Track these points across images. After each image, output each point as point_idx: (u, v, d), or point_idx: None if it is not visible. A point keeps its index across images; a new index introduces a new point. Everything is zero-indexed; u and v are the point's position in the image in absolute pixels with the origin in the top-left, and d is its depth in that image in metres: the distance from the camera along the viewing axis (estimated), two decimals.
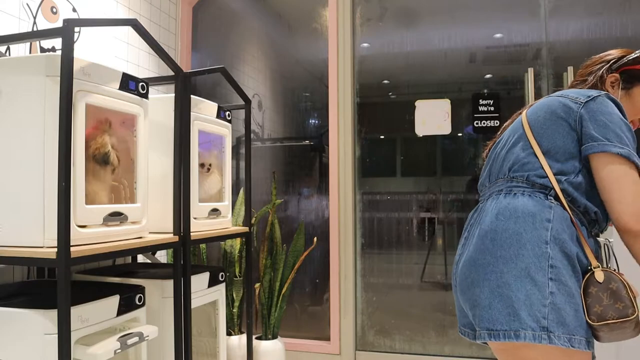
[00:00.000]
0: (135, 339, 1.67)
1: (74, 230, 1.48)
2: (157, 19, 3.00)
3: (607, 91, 1.42)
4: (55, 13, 2.23)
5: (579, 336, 1.14)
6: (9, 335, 1.48)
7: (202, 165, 2.29)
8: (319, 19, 3.16)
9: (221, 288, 2.38)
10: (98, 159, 1.63)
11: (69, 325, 1.42)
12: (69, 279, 1.43)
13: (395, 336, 3.20)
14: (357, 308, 3.02)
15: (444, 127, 3.18)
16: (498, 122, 2.96)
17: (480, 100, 3.07)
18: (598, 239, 1.36)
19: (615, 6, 2.61)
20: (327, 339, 3.00)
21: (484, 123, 3.03)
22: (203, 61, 3.38)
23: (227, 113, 2.45)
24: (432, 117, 3.18)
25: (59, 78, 1.45)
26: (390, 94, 3.41)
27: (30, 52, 2.09)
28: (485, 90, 3.15)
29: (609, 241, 2.25)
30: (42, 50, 2.15)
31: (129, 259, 2.53)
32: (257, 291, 2.82)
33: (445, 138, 3.63)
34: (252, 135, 2.84)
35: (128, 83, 1.74)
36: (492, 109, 2.99)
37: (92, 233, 1.57)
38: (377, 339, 3.11)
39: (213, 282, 2.29)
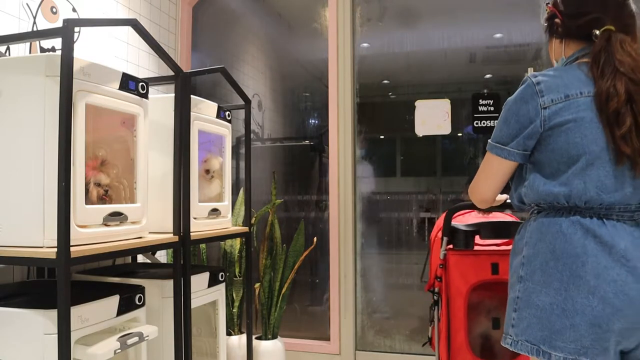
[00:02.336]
0: (135, 339, 1.67)
1: (74, 230, 1.48)
2: (157, 19, 3.00)
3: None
4: (55, 13, 2.23)
5: None
6: (9, 335, 1.48)
7: (207, 171, 2.30)
8: (319, 19, 3.16)
9: (221, 288, 2.37)
10: (98, 197, 1.66)
11: (69, 325, 1.42)
12: (69, 279, 1.43)
13: (395, 336, 3.20)
14: (357, 308, 3.02)
15: (444, 127, 3.18)
16: None
17: (480, 100, 3.07)
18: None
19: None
20: (327, 339, 3.00)
21: (483, 123, 3.03)
22: (203, 61, 3.38)
23: (227, 113, 2.45)
24: (432, 117, 3.19)
25: (59, 78, 1.44)
26: (390, 94, 3.41)
27: (30, 52, 2.09)
28: (485, 90, 3.15)
29: None
30: (42, 50, 2.15)
31: (129, 259, 2.52)
32: (257, 291, 2.82)
33: (445, 138, 3.63)
34: (252, 135, 2.84)
35: (128, 83, 1.74)
36: (492, 109, 2.99)
37: (92, 233, 1.57)
38: (377, 339, 3.11)
39: (213, 282, 2.29)
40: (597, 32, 1.17)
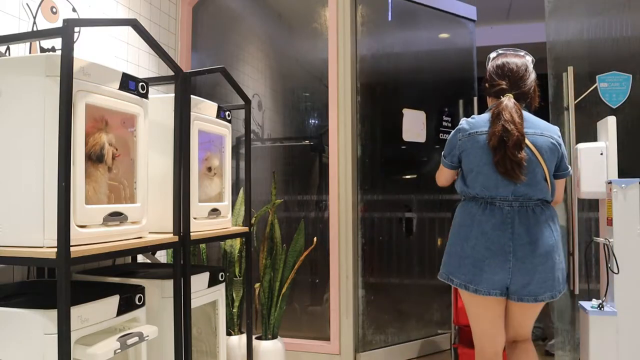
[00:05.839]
0: (135, 339, 1.67)
1: (74, 230, 1.48)
2: (157, 19, 3.00)
3: None
4: (55, 13, 2.23)
5: None
6: (9, 335, 1.48)
7: (209, 169, 2.30)
8: (319, 19, 3.16)
9: (221, 288, 2.37)
10: (93, 158, 1.61)
11: (69, 325, 1.42)
12: (69, 279, 1.43)
13: (394, 333, 3.20)
14: (357, 308, 3.02)
15: (421, 135, 3.37)
16: None
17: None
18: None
19: (615, 6, 2.61)
20: (327, 339, 3.00)
21: None
22: (203, 61, 3.38)
23: (227, 113, 2.45)
24: (414, 126, 3.33)
25: (59, 78, 1.45)
26: (391, 94, 3.40)
27: (30, 52, 2.09)
28: None
29: (609, 241, 2.26)
30: (42, 50, 2.15)
31: (129, 259, 2.53)
32: (257, 291, 2.82)
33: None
34: (252, 135, 2.84)
35: (128, 83, 1.74)
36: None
37: (92, 233, 1.57)
38: (376, 338, 3.11)
39: (213, 282, 2.29)
40: (501, 96, 1.87)
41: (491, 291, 1.80)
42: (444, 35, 3.64)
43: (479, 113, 2.02)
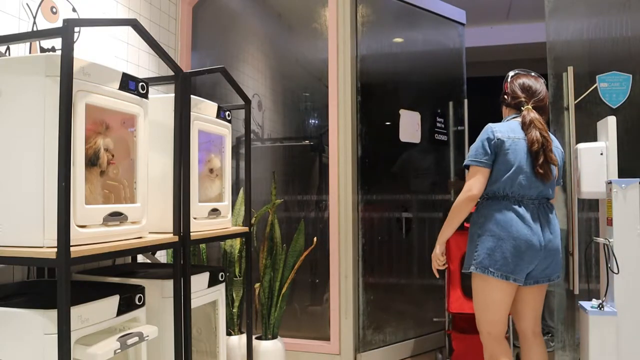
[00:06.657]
0: (135, 339, 1.67)
1: (74, 230, 1.48)
2: (157, 19, 3.00)
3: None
4: (55, 13, 2.23)
5: None
6: (9, 335, 1.48)
7: (211, 170, 2.30)
8: (319, 19, 3.16)
9: (221, 288, 2.37)
10: (86, 160, 1.60)
11: (69, 325, 1.42)
12: (69, 279, 1.43)
13: (394, 333, 3.20)
14: (357, 308, 3.02)
15: (415, 136, 3.38)
16: None
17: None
18: None
19: (615, 6, 2.61)
20: (327, 339, 3.00)
21: None
22: (203, 61, 3.38)
23: (227, 113, 2.45)
24: (410, 126, 3.35)
25: (59, 78, 1.45)
26: (391, 94, 3.41)
27: (30, 52, 2.09)
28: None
29: (609, 241, 2.26)
30: (42, 50, 2.15)
31: (128, 259, 2.53)
32: (257, 291, 2.82)
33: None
34: (252, 135, 2.84)
35: (128, 83, 1.74)
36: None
37: (92, 233, 1.57)
38: (376, 338, 3.11)
39: (213, 282, 2.29)
40: (523, 108, 2.10)
41: (523, 279, 2.03)
42: (435, 38, 3.66)
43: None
